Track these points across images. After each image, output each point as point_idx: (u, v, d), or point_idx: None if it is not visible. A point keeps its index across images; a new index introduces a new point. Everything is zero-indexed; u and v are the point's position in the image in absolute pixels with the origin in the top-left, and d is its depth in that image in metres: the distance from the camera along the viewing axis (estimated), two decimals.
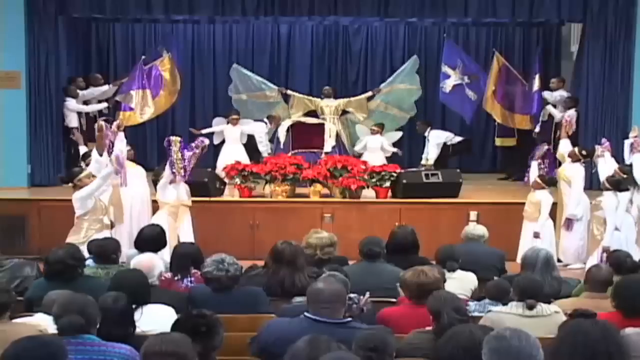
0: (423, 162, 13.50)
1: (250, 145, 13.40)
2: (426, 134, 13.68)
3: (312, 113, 13.71)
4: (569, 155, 10.18)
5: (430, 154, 13.53)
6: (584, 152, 10.19)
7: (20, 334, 4.14)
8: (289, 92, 13.90)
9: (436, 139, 13.54)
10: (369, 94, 13.95)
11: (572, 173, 10.04)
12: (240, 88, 13.74)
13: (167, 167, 8.98)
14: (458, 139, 13.68)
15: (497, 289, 5.87)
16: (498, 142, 13.95)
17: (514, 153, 13.72)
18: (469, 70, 13.21)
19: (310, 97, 13.87)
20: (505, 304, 5.41)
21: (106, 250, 6.44)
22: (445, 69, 13.15)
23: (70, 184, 8.25)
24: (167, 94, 12.92)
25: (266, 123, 13.36)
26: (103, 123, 8.90)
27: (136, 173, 9.93)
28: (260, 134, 13.24)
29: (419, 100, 14.01)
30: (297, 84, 14.73)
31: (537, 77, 12.47)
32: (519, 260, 7.96)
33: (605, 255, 8.50)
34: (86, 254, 6.48)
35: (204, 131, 12.66)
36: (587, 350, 3.17)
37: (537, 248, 6.60)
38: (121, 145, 8.65)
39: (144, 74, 12.49)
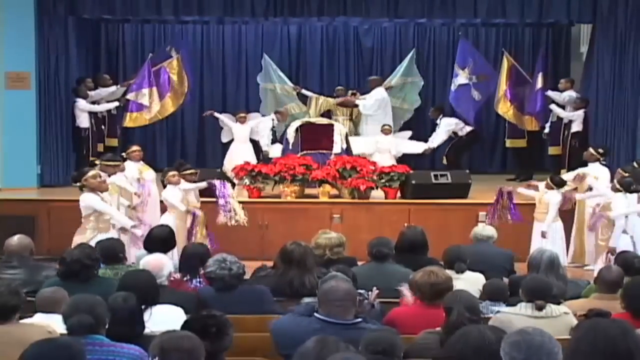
0: (427, 144, 13.62)
1: (257, 143, 13.50)
2: (438, 120, 13.80)
3: (326, 113, 13.84)
4: (586, 157, 10.25)
5: (436, 139, 13.67)
6: (600, 150, 10.24)
7: (26, 334, 4.15)
8: (304, 91, 14.03)
9: (447, 126, 13.62)
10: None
11: (597, 173, 10.08)
12: (269, 77, 14.17)
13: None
14: (468, 128, 13.64)
15: (493, 289, 5.85)
16: (508, 143, 13.88)
17: (524, 154, 13.69)
18: (479, 70, 13.20)
19: (322, 97, 13.94)
20: (510, 304, 5.39)
21: (113, 250, 6.42)
22: (456, 68, 13.18)
23: (77, 184, 8.06)
24: (174, 96, 12.96)
25: (273, 119, 13.42)
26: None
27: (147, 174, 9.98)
28: (265, 128, 13.30)
29: (428, 95, 14.17)
30: (308, 84, 14.72)
31: (540, 75, 12.44)
32: None
33: (609, 256, 8.47)
34: None
35: (216, 114, 13.34)
36: (608, 347, 3.12)
37: (542, 249, 6.57)
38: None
39: (152, 74, 12.51)
